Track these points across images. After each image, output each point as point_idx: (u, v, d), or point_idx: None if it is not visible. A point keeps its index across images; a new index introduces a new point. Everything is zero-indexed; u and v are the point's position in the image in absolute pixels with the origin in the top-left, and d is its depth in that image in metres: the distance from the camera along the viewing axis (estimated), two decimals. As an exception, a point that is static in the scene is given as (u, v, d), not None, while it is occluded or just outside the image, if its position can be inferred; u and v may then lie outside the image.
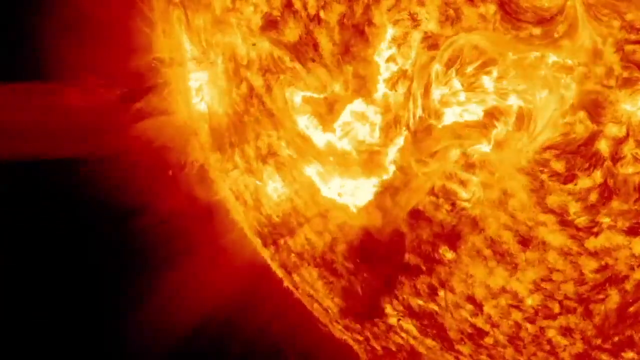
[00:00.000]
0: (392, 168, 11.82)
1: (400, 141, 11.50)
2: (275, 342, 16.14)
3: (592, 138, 9.69)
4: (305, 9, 11.46)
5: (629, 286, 10.36)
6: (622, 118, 9.43)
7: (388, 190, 11.99)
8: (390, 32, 10.82)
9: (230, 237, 15.60)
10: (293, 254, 14.35)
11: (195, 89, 14.59)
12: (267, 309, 15.86)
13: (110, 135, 14.97)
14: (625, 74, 9.13)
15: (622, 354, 10.95)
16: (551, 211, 10.39)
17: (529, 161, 10.30)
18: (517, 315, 11.57)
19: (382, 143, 11.71)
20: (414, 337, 13.37)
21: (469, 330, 12.29)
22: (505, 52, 9.79)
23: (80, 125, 14.93)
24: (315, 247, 13.72)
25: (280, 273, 15.28)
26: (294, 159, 13.07)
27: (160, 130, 15.00)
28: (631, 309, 10.53)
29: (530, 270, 10.99)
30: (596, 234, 10.21)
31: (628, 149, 9.53)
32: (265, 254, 15.29)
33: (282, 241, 14.46)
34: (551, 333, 11.43)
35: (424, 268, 12.15)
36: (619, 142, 9.56)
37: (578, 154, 9.90)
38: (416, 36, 10.56)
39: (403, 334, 13.55)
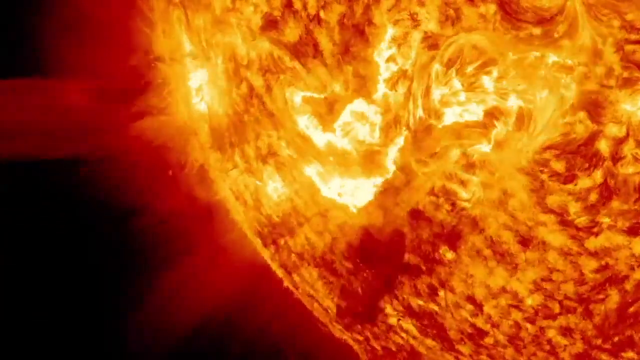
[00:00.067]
0: (392, 168, 11.82)
1: (400, 141, 11.50)
2: (275, 342, 16.14)
3: (592, 138, 9.69)
4: (305, 9, 11.46)
5: (629, 286, 10.36)
6: (622, 118, 9.43)
7: (388, 190, 11.99)
8: (390, 32, 10.82)
9: (230, 237, 15.60)
10: (293, 254, 14.35)
11: (195, 89, 14.59)
12: (267, 309, 15.86)
13: (110, 135, 14.97)
14: (626, 74, 9.13)
15: (622, 354, 10.95)
16: (551, 211, 10.39)
17: (529, 161, 10.30)
18: (517, 315, 11.57)
19: (382, 143, 11.71)
20: (414, 337, 13.37)
21: (469, 330, 12.29)
22: (505, 52, 9.79)
23: (80, 125, 14.93)
24: (315, 247, 13.72)
25: (280, 273, 15.28)
26: (294, 159, 13.08)
27: (160, 130, 15.00)
28: (631, 309, 10.53)
29: (530, 270, 10.99)
30: (596, 234, 10.21)
31: (628, 149, 9.53)
32: (265, 254, 15.29)
33: (282, 241, 14.46)
34: (551, 333, 11.43)
35: (424, 268, 12.15)
36: (619, 142, 9.56)
37: (578, 154, 9.90)
38: (416, 36, 10.56)
39: (403, 334, 13.56)
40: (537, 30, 9.54)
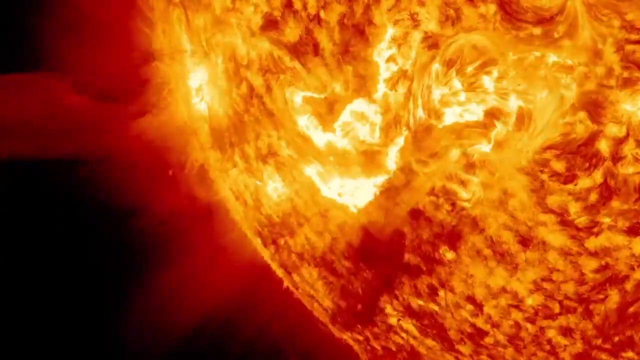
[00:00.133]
0: (392, 168, 11.82)
1: (400, 141, 11.50)
2: (275, 342, 16.14)
3: (592, 138, 9.69)
4: (305, 9, 11.46)
5: (629, 286, 10.36)
6: (623, 118, 9.43)
7: (388, 190, 11.99)
8: (391, 32, 10.82)
9: (230, 237, 15.60)
10: (293, 254, 14.35)
11: (195, 89, 14.60)
12: (267, 309, 15.86)
13: (110, 135, 14.97)
14: (626, 74, 9.13)
15: (622, 354, 10.95)
16: (551, 211, 10.39)
17: (529, 161, 10.30)
18: (517, 315, 11.57)
19: (383, 143, 11.71)
20: (414, 337, 13.37)
21: (469, 330, 12.29)
22: (505, 52, 9.79)
23: (79, 125, 14.93)
24: (315, 247, 13.72)
25: (280, 273, 15.28)
26: (294, 159, 13.07)
27: (160, 130, 15.00)
28: (631, 309, 10.53)
29: (530, 270, 10.99)
30: (596, 234, 10.21)
31: (628, 149, 9.53)
32: (265, 254, 15.29)
33: (282, 241, 14.46)
34: (551, 333, 11.43)
35: (424, 268, 12.15)
36: (619, 142, 9.55)
37: (578, 154, 9.90)
38: (416, 36, 10.56)
39: (403, 334, 13.56)
40: (537, 30, 9.54)
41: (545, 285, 11.00)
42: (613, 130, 9.54)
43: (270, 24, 11.99)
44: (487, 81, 10.15)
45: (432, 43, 10.42)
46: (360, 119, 11.80)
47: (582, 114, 9.65)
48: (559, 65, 9.59)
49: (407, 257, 12.26)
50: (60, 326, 15.15)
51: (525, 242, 10.83)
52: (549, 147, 10.07)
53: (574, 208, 10.23)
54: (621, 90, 9.26)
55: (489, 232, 11.11)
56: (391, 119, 11.46)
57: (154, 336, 15.43)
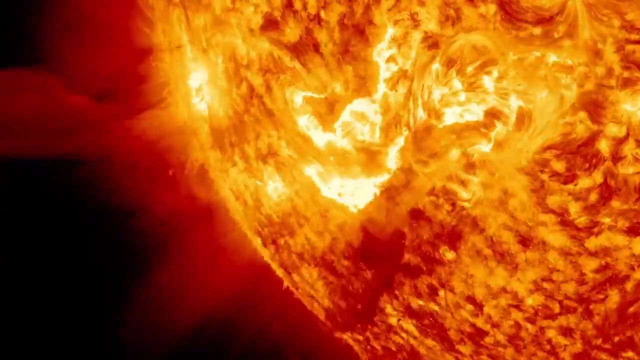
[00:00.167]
0: (392, 168, 11.82)
1: (400, 141, 11.50)
2: (275, 342, 16.14)
3: (593, 138, 9.69)
4: (306, 9, 11.46)
5: (629, 286, 10.36)
6: (623, 118, 9.42)
7: (388, 190, 11.99)
8: (391, 32, 10.82)
9: (230, 237, 15.60)
10: (293, 254, 14.35)
11: (195, 89, 14.60)
12: (267, 309, 15.86)
13: (110, 135, 14.97)
14: (626, 74, 9.13)
15: (622, 353, 10.95)
16: (551, 211, 10.39)
17: (529, 161, 10.30)
18: (517, 315, 11.57)
19: (383, 143, 11.71)
20: (414, 337, 13.37)
21: (469, 330, 12.29)
22: (505, 52, 9.79)
23: (79, 124, 14.92)
24: (315, 247, 13.72)
25: (280, 273, 15.28)
26: (294, 159, 13.07)
27: (160, 130, 15.00)
28: (631, 309, 10.53)
29: (530, 270, 10.99)
30: (596, 234, 10.21)
31: (628, 149, 9.53)
32: (265, 254, 15.29)
33: (282, 241, 14.46)
34: (551, 333, 11.43)
35: (424, 268, 12.15)
36: (619, 142, 9.55)
37: (578, 154, 9.90)
38: (416, 36, 10.56)
39: (403, 334, 13.55)
40: (537, 30, 9.54)
41: (545, 285, 11.00)
42: (613, 130, 9.54)
43: (271, 24, 11.99)
44: (487, 81, 10.15)
45: (432, 43, 10.42)
46: (361, 119, 11.80)
47: (582, 114, 9.65)
48: (559, 65, 9.59)
49: (407, 257, 12.27)
50: (61, 326, 15.14)
51: (525, 242, 10.83)
52: (549, 147, 10.07)
53: (574, 208, 10.23)
54: (621, 90, 9.26)
55: (489, 232, 11.11)
56: (391, 119, 11.46)
57: (154, 336, 15.43)
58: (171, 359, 15.69)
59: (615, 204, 9.91)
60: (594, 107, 9.54)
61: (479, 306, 11.84)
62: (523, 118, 10.15)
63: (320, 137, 12.45)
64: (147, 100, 14.88)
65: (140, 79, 14.72)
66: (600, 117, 9.55)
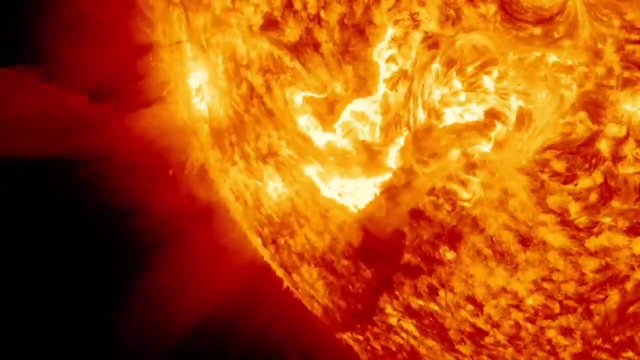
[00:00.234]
0: (392, 168, 11.82)
1: (400, 141, 11.50)
2: (275, 342, 16.13)
3: (593, 138, 9.69)
4: (306, 9, 11.46)
5: (629, 286, 10.36)
6: (623, 118, 9.43)
7: (389, 190, 11.99)
8: (391, 32, 10.82)
9: (230, 237, 15.60)
10: (293, 254, 14.35)
11: (195, 89, 14.60)
12: (267, 309, 15.86)
13: (110, 135, 14.96)
14: (626, 74, 9.13)
15: (623, 354, 10.95)
16: (551, 211, 10.39)
17: (529, 161, 10.30)
18: (517, 315, 11.57)
19: (383, 143, 11.71)
20: (414, 337, 13.37)
21: (469, 331, 12.29)
22: (505, 52, 9.79)
23: (79, 124, 14.92)
24: (315, 247, 13.72)
25: (280, 273, 15.28)
26: (294, 159, 13.08)
27: (160, 129, 15.00)
28: (631, 309, 10.53)
29: (530, 270, 10.99)
30: (597, 234, 10.21)
31: (628, 149, 9.53)
32: (265, 254, 15.29)
33: (282, 241, 14.47)
34: (551, 333, 11.43)
35: (424, 268, 12.15)
36: (620, 142, 9.55)
37: (578, 154, 9.90)
38: (416, 36, 10.56)
39: (403, 334, 13.55)
40: (537, 30, 9.54)
41: (546, 285, 11.00)
42: (613, 130, 9.54)
43: (271, 24, 11.99)
44: (488, 81, 10.15)
45: (432, 43, 10.42)
46: (361, 119, 11.80)
47: (582, 114, 9.65)
48: (559, 65, 9.59)
49: (407, 257, 12.27)
50: (61, 326, 15.14)
51: (525, 242, 10.83)
52: (549, 147, 10.07)
53: (574, 208, 10.23)
54: (621, 90, 9.26)
55: (489, 232, 11.11)
56: (391, 119, 11.46)
57: (154, 336, 15.42)
58: (171, 359, 15.69)
59: (616, 204, 9.91)
60: (594, 107, 9.54)
61: (479, 306, 11.84)
62: (523, 118, 10.15)
63: (320, 137, 12.45)
64: (146, 99, 14.88)
65: (140, 78, 14.72)
66: (600, 117, 9.55)
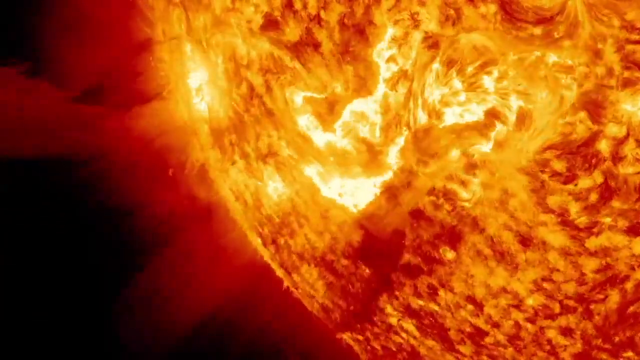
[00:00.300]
0: (392, 168, 11.82)
1: (400, 141, 11.50)
2: (275, 342, 16.13)
3: (593, 138, 9.69)
4: (306, 8, 11.46)
5: (629, 286, 10.36)
6: (623, 118, 9.43)
7: (389, 190, 11.99)
8: (391, 32, 10.82)
9: (230, 237, 15.60)
10: (293, 254, 14.35)
11: (195, 89, 14.59)
12: (267, 309, 15.86)
13: (110, 135, 14.96)
14: (626, 74, 9.13)
15: (623, 353, 10.95)
16: (552, 211, 10.39)
17: (530, 161, 10.30)
18: (517, 315, 11.57)
19: (383, 143, 11.71)
20: (414, 337, 13.37)
21: (470, 331, 12.29)
22: (506, 52, 9.79)
23: (79, 124, 14.92)
24: (315, 247, 13.72)
25: (280, 273, 15.28)
26: (294, 159, 13.07)
27: (160, 130, 15.00)
28: (631, 309, 10.53)
29: (530, 270, 10.99)
30: (597, 234, 10.21)
31: (628, 149, 9.53)
32: (265, 254, 15.29)
33: (282, 241, 14.46)
34: (551, 333, 11.43)
35: (424, 268, 12.15)
36: (620, 142, 9.55)
37: (578, 154, 9.90)
38: (416, 36, 10.56)
39: (403, 334, 13.55)
40: (537, 30, 9.54)
41: (546, 285, 11.00)
42: (613, 130, 9.54)
43: (271, 24, 11.99)
44: (488, 81, 10.15)
45: (432, 43, 10.42)
46: (361, 119, 11.80)
47: (582, 114, 9.65)
48: (559, 65, 9.59)
49: (407, 257, 12.26)
50: (61, 326, 15.13)
51: (525, 242, 10.83)
52: (549, 147, 10.07)
53: (574, 208, 10.23)
54: (621, 90, 9.26)
55: (489, 232, 11.11)
56: (391, 119, 11.46)
57: (154, 336, 15.42)
58: (171, 359, 15.69)
59: (616, 204, 9.91)
60: (594, 107, 9.54)
61: (479, 306, 11.83)
62: (523, 118, 10.15)
63: (320, 137, 12.45)
64: (146, 99, 14.88)
65: (140, 78, 14.72)
66: (600, 117, 9.56)
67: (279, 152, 13.26)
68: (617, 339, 10.91)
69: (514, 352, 12.11)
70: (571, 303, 10.97)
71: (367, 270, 13.15)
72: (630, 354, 10.91)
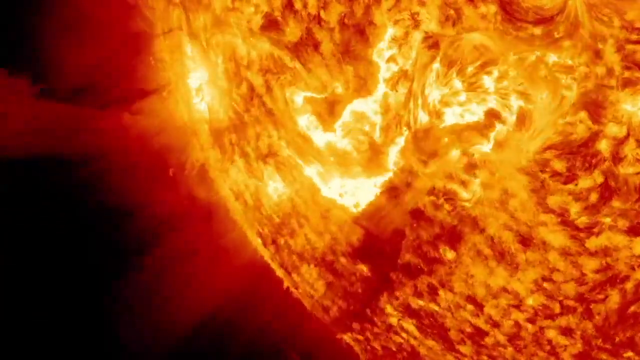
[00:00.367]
0: (393, 168, 11.82)
1: (401, 141, 11.50)
2: (275, 342, 16.13)
3: (593, 138, 9.70)
4: (306, 9, 11.46)
5: (629, 286, 10.36)
6: (623, 118, 9.43)
7: (389, 190, 11.99)
8: (391, 32, 10.82)
9: (230, 237, 15.60)
10: (293, 254, 14.35)
11: (195, 89, 14.59)
12: (267, 309, 15.86)
13: (110, 135, 14.96)
14: (627, 74, 9.13)
15: (623, 353, 10.95)
16: (552, 211, 10.39)
17: (530, 161, 10.31)
18: (517, 315, 11.57)
19: (383, 143, 11.71)
20: (414, 337, 13.37)
21: (470, 331, 12.29)
22: (506, 52, 9.79)
23: (79, 125, 14.92)
24: (315, 247, 13.72)
25: (280, 273, 15.28)
26: (294, 159, 13.08)
27: (161, 130, 14.99)
28: (632, 309, 10.53)
29: (530, 270, 10.99)
30: (597, 234, 10.21)
31: (629, 149, 9.53)
32: (265, 254, 15.29)
33: (282, 241, 14.46)
34: (551, 333, 11.43)
35: (424, 268, 12.15)
36: (620, 142, 9.56)
37: (578, 154, 9.90)
38: (417, 36, 10.57)
39: (403, 334, 13.55)
40: (537, 30, 9.54)
41: (546, 285, 11.00)
42: (613, 130, 9.54)
43: (271, 24, 11.99)
44: (488, 81, 10.16)
45: (432, 43, 10.42)
46: (361, 119, 11.80)
47: (582, 114, 9.65)
48: (560, 65, 9.59)
49: (407, 257, 12.26)
50: (61, 326, 15.13)
51: (525, 242, 10.83)
52: (550, 147, 10.07)
53: (574, 208, 10.23)
54: (622, 90, 9.26)
55: (489, 232, 11.11)
56: (391, 119, 11.46)
57: (154, 336, 15.42)
58: (171, 359, 15.68)
59: (616, 204, 9.92)
60: (594, 107, 9.54)
61: (479, 306, 11.83)
62: (523, 118, 10.16)
63: (320, 137, 12.45)
64: (146, 99, 14.87)
65: (140, 78, 14.72)
66: (600, 117, 9.56)
67: (279, 152, 13.26)
68: (617, 339, 10.91)
69: (514, 352, 12.11)
70: (571, 303, 10.98)
71: (367, 270, 13.15)
72: (630, 354, 10.91)
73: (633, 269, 10.22)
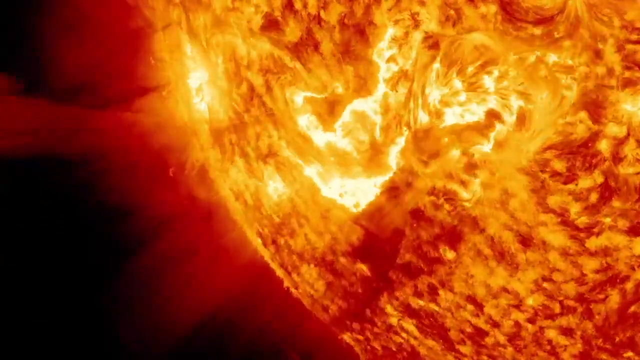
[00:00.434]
0: (393, 168, 11.82)
1: (401, 141, 11.51)
2: (275, 342, 16.14)
3: (593, 138, 9.70)
4: (306, 9, 11.46)
5: (629, 286, 10.37)
6: (623, 118, 9.43)
7: (389, 190, 11.99)
8: (391, 32, 10.82)
9: (230, 237, 15.60)
10: (293, 254, 14.35)
11: (195, 89, 14.59)
12: (267, 309, 15.86)
13: (110, 135, 14.96)
14: (627, 74, 9.13)
15: (623, 353, 10.96)
16: (552, 211, 10.39)
17: (530, 161, 10.31)
18: (517, 316, 11.57)
19: (383, 143, 11.71)
20: (415, 337, 13.37)
21: (470, 331, 12.29)
22: (506, 52, 9.79)
23: (79, 125, 14.92)
24: (315, 247, 13.72)
25: (280, 273, 15.28)
26: (294, 159, 13.08)
27: (161, 130, 14.99)
28: (632, 309, 10.54)
29: (530, 270, 11.00)
30: (597, 234, 10.22)
31: (629, 149, 9.53)
32: (265, 254, 15.29)
33: (282, 241, 14.46)
34: (552, 333, 11.44)
35: (424, 268, 12.15)
36: (620, 142, 9.56)
37: (579, 154, 9.91)
38: (417, 36, 10.56)
39: (403, 334, 13.55)
40: (537, 30, 9.54)
41: (546, 285, 11.00)
42: (613, 130, 9.54)
43: (271, 24, 11.99)
44: (488, 81, 10.16)
45: (432, 43, 10.42)
46: (361, 118, 11.80)
47: (582, 114, 9.65)
48: (560, 65, 9.59)
49: (407, 257, 12.26)
50: (61, 326, 15.13)
51: (525, 242, 10.84)
52: (550, 147, 10.07)
53: (574, 208, 10.24)
54: (622, 91, 9.26)
55: (489, 232, 11.11)
56: (391, 119, 11.46)
57: (154, 336, 15.42)
58: (171, 359, 15.68)
59: (616, 204, 9.92)
60: (594, 107, 9.55)
61: (479, 306, 11.84)
62: (523, 118, 10.16)
63: (320, 137, 12.45)
64: (146, 99, 14.87)
65: (141, 79, 14.72)
66: (600, 117, 9.56)
67: (279, 152, 13.26)
68: (617, 339, 10.91)
69: (514, 352, 12.12)
70: (571, 303, 10.98)
71: (367, 270, 13.15)
72: (630, 354, 10.92)
73: (633, 269, 10.23)
